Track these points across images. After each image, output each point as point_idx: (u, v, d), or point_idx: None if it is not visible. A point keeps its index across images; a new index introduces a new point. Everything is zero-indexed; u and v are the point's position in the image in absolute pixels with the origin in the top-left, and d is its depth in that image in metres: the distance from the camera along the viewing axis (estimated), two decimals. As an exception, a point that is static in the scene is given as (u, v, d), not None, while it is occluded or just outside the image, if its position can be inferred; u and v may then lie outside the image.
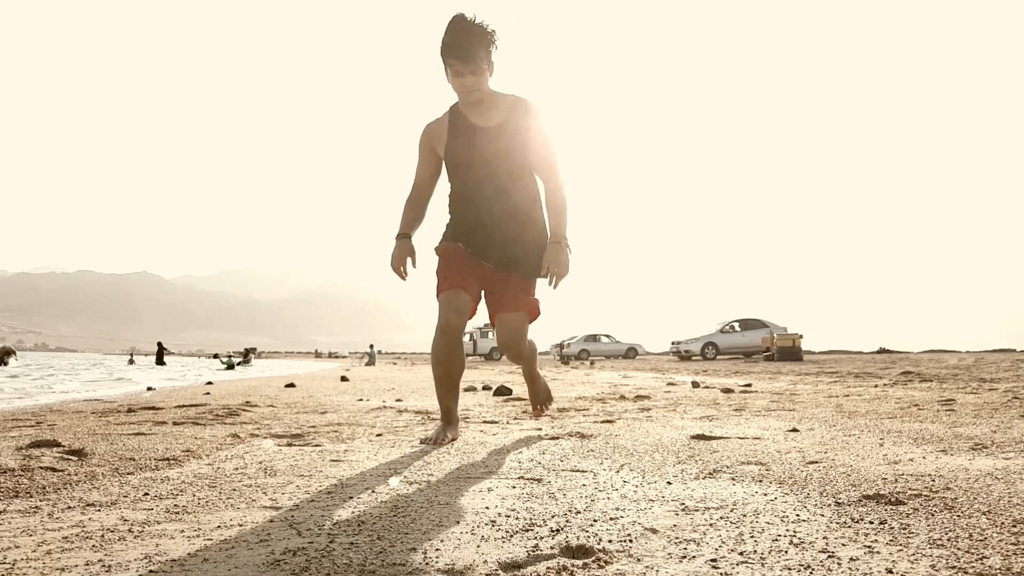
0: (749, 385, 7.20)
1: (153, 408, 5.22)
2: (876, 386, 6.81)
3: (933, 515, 1.56)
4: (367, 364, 33.55)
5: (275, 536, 1.46)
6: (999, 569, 1.17)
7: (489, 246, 3.09)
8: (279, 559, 1.30)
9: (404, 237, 3.09)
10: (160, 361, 32.47)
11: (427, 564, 1.25)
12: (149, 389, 10.23)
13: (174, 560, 1.31)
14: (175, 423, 3.98)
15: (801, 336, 23.22)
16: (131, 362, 33.10)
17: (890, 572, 1.17)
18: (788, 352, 21.79)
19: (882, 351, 31.37)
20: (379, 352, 55.16)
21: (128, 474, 2.33)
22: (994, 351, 33.21)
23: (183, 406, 5.41)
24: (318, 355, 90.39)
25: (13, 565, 1.30)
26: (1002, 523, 1.47)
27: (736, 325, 28.78)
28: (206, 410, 4.94)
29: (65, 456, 2.62)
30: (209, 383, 11.76)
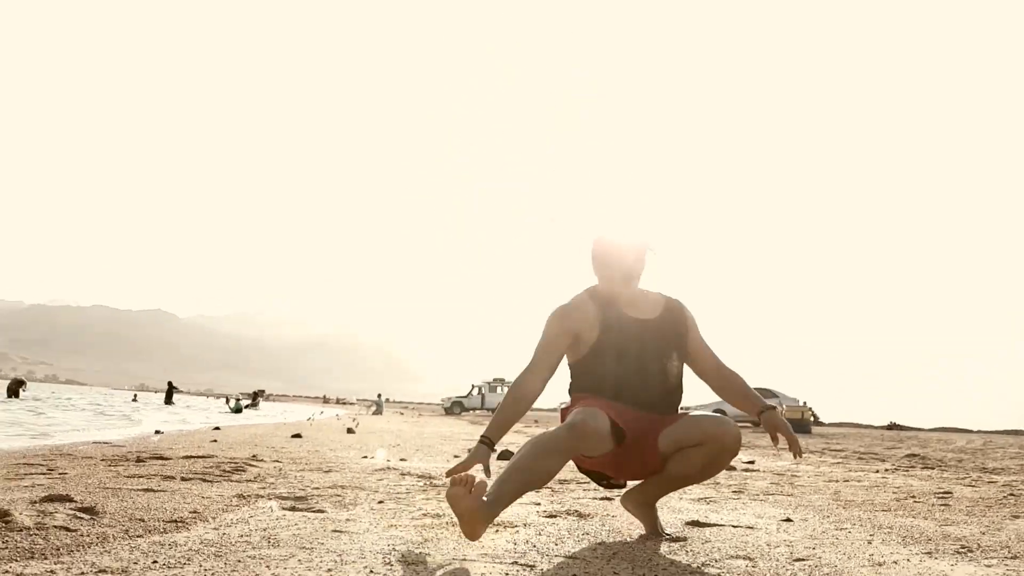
0: (752, 462, 7.21)
1: (162, 458, 5.32)
2: (878, 471, 6.80)
3: (901, 629, 1.63)
4: (374, 413, 33.50)
5: (277, 617, 1.56)
6: None
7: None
8: (280, 643, 1.39)
9: (488, 443, 2.66)
10: (169, 400, 32.60)
11: (417, 657, 1.35)
12: (157, 432, 10.33)
13: (183, 638, 1.41)
14: (183, 478, 4.07)
15: (810, 408, 23.07)
16: (135, 399, 33.20)
17: None
18: (797, 424, 21.62)
19: (892, 427, 31.00)
20: (386, 400, 55.05)
21: (138, 536, 2.43)
22: (1005, 432, 32.69)
23: (191, 456, 5.51)
24: (326, 401, 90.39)
25: (35, 635, 1.40)
26: (964, 642, 1.54)
27: (746, 394, 28.65)
28: (213, 463, 5.03)
29: (77, 514, 2.72)
30: (216, 428, 11.85)
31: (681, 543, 2.66)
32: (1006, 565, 2.41)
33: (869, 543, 2.75)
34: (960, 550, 2.65)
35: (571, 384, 2.89)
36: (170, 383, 34.65)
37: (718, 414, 2.79)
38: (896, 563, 2.38)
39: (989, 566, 2.38)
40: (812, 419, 32.07)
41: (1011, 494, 4.72)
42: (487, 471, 2.57)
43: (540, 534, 2.72)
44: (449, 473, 2.45)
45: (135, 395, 41.57)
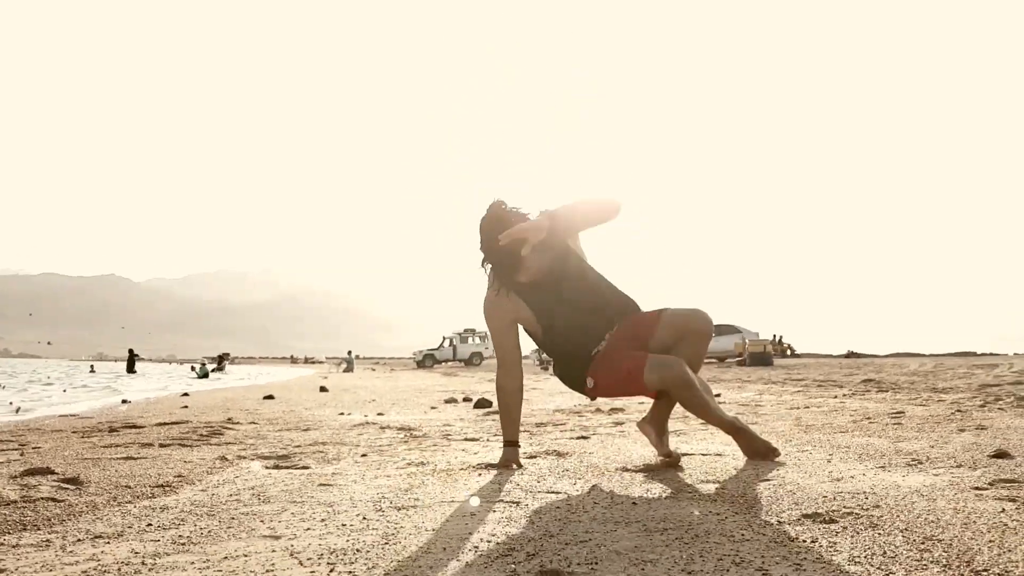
0: (718, 396, 7.47)
1: (135, 426, 5.32)
2: (836, 397, 7.12)
3: (859, 533, 1.78)
4: (345, 371, 33.49)
5: (279, 566, 1.64)
6: (902, 585, 1.39)
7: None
8: (286, 587, 1.47)
9: (513, 443, 3.09)
10: (131, 369, 32.13)
11: (418, 590, 1.44)
12: (124, 402, 10.25)
13: (192, 589, 1.48)
14: (161, 445, 4.10)
15: (788, 344, 23.82)
16: (92, 371, 32.64)
17: (811, 589, 1.38)
18: (759, 358, 22.28)
19: (850, 355, 32.13)
20: (357, 357, 54.94)
21: (127, 503, 2.48)
22: (955, 355, 34.13)
23: (164, 423, 5.52)
24: (294, 361, 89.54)
25: (47, 598, 1.46)
26: (913, 540, 1.69)
27: (710, 330, 29.36)
28: (189, 428, 5.06)
29: (62, 485, 2.75)
30: (185, 394, 11.79)
31: (655, 472, 2.81)
32: (951, 473, 2.60)
33: (828, 462, 2.93)
34: (911, 463, 2.85)
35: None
36: (131, 351, 34.10)
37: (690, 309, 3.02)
38: (853, 477, 2.55)
39: (936, 475, 2.57)
40: (789, 352, 32.89)
41: (958, 411, 5.00)
42: (519, 465, 3.02)
43: (522, 473, 2.84)
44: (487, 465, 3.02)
45: (92, 366, 40.84)
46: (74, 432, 5.03)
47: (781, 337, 34.33)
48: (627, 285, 3.16)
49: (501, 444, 3.14)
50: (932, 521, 1.87)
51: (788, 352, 33.17)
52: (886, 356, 33.85)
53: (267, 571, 1.60)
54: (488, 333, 3.26)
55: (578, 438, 4.01)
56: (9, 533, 2.07)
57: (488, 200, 2.97)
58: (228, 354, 43.57)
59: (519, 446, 3.13)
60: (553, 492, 2.44)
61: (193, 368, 30.59)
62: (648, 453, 3.30)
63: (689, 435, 4.02)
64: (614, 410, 5.80)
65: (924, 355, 33.73)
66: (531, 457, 3.29)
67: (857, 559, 1.57)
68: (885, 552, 1.61)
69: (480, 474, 2.87)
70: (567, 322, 2.99)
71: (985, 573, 1.45)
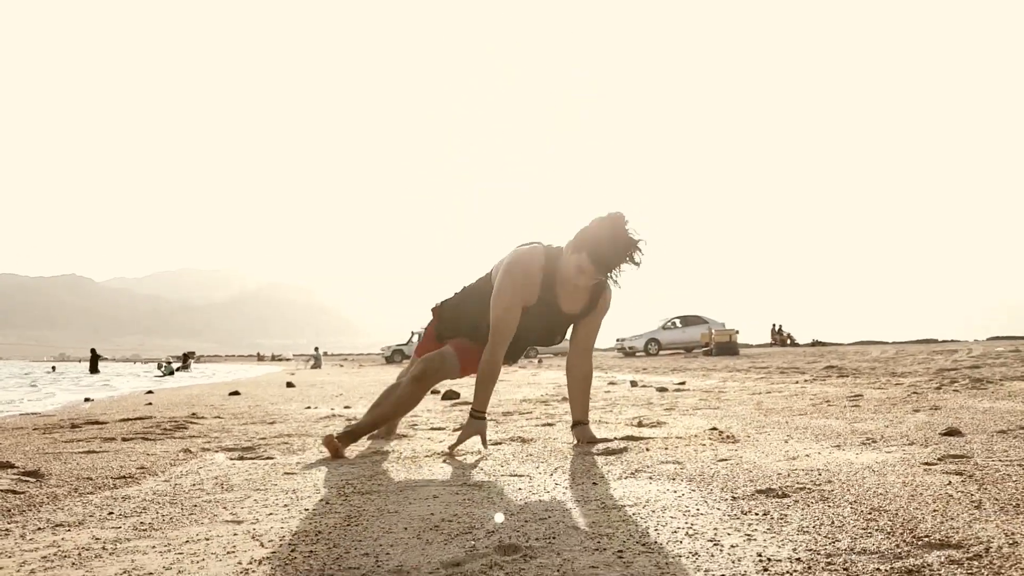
0: (684, 383, 7.58)
1: (97, 423, 5.24)
2: (797, 382, 7.26)
3: (809, 506, 1.84)
4: (313, 367, 33.21)
5: (240, 548, 1.65)
6: (845, 549, 1.45)
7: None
8: (247, 568, 1.48)
9: (479, 415, 3.09)
10: (94, 369, 31.51)
11: (379, 566, 1.46)
12: (87, 400, 10.06)
13: (151, 573, 1.49)
14: (124, 439, 4.05)
15: (737, 332, 24.06)
16: (53, 370, 31.95)
17: (759, 555, 1.43)
18: (725, 347, 22.56)
19: (815, 343, 32.64)
20: (325, 354, 54.51)
21: (89, 494, 2.46)
22: (917, 342, 34.87)
23: (128, 419, 5.44)
24: (261, 358, 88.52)
25: (4, 583, 1.46)
26: (861, 511, 1.76)
27: (677, 322, 29.61)
28: (152, 423, 5.00)
29: (22, 478, 2.72)
30: (150, 392, 11.61)
31: (616, 455, 2.86)
32: (903, 450, 2.69)
33: (786, 442, 3.01)
34: (865, 442, 2.94)
35: (443, 326, 3.33)
36: (93, 350, 33.42)
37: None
38: (808, 456, 2.63)
39: (889, 452, 2.65)
40: (789, 342, 32.78)
41: (914, 393, 5.15)
42: (484, 442, 3.06)
43: (486, 459, 2.87)
44: (451, 448, 3.00)
45: (53, 366, 39.96)
46: (35, 429, 4.94)
47: (781, 327, 34.13)
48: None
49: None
50: (880, 494, 1.94)
51: (788, 341, 32.86)
52: (850, 344, 34.47)
53: (228, 552, 1.61)
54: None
55: (543, 425, 4.05)
56: (-33, 525, 2.05)
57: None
58: (193, 352, 42.95)
59: (487, 421, 3.15)
60: (516, 475, 2.48)
61: (160, 367, 30.12)
62: (610, 437, 3.35)
63: (652, 419, 4.08)
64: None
65: (887, 343, 34.41)
66: (496, 444, 3.32)
67: (806, 529, 1.62)
68: (833, 522, 1.67)
69: (445, 460, 2.89)
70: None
71: (927, 538, 1.52)
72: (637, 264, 2.82)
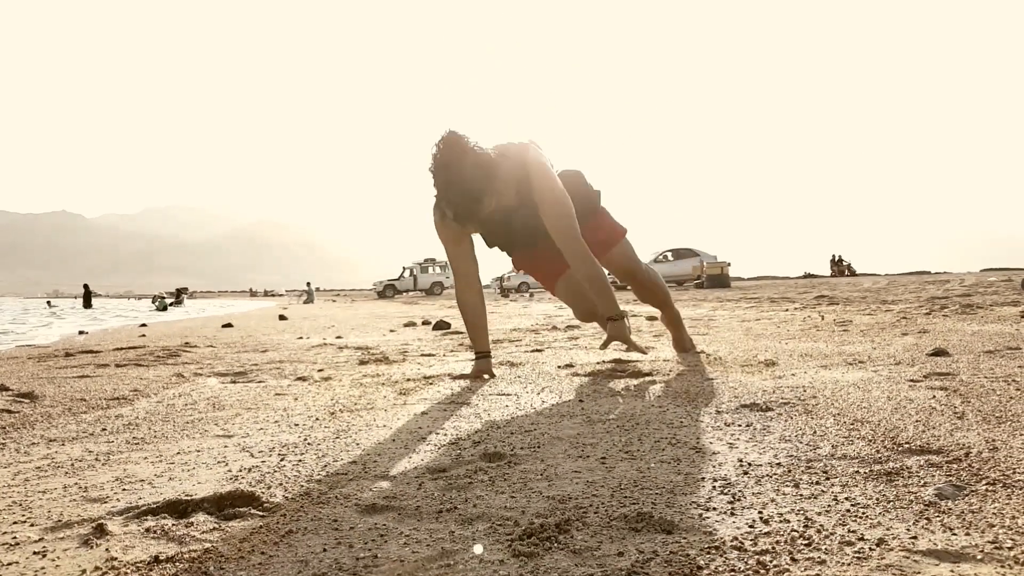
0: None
1: (91, 352, 5.27)
2: (787, 310, 7.32)
3: (792, 418, 1.87)
4: (305, 302, 33.29)
5: (231, 458, 1.67)
6: (825, 455, 1.48)
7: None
8: (236, 475, 1.51)
9: (484, 355, 3.06)
10: (88, 304, 31.56)
11: (366, 472, 1.49)
12: (81, 333, 10.10)
13: (143, 480, 1.51)
14: (117, 365, 4.08)
15: (729, 264, 24.12)
16: (49, 305, 31.99)
17: (740, 461, 1.46)
18: (716, 279, 22.67)
19: (807, 276, 32.76)
20: (317, 289, 54.53)
21: (82, 413, 2.48)
22: (910, 273, 35.02)
23: (121, 348, 5.47)
24: (253, 294, 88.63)
25: (-3, 491, 1.47)
26: (843, 422, 1.79)
27: (669, 254, 29.61)
28: (146, 352, 5.03)
29: (16, 399, 2.74)
30: (143, 325, 11.65)
31: (604, 375, 2.89)
32: (889, 369, 2.72)
33: (773, 364, 3.04)
34: (852, 362, 2.97)
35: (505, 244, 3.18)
36: (86, 286, 33.43)
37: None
38: (794, 375, 2.66)
39: (875, 371, 2.69)
40: (848, 272, 31.84)
41: (904, 318, 5.20)
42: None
43: (475, 381, 2.90)
44: (602, 347, 3.02)
45: (48, 301, 39.98)
46: (30, 358, 4.96)
47: (841, 257, 33.08)
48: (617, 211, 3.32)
49: (456, 359, 3.18)
50: (864, 407, 1.97)
51: (847, 271, 31.70)
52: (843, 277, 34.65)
53: (218, 462, 1.63)
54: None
55: (533, 351, 4.09)
56: (-39, 442, 2.07)
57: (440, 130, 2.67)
58: (186, 288, 42.98)
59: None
60: (504, 395, 2.50)
61: (154, 301, 30.15)
62: (595, 360, 3.38)
63: (641, 342, 4.11)
64: (570, 327, 5.90)
65: (880, 275, 34.52)
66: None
67: (788, 438, 1.65)
68: (815, 432, 1.70)
69: (432, 382, 2.92)
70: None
71: (907, 445, 1.54)
72: (449, 205, 2.69)
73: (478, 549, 1.04)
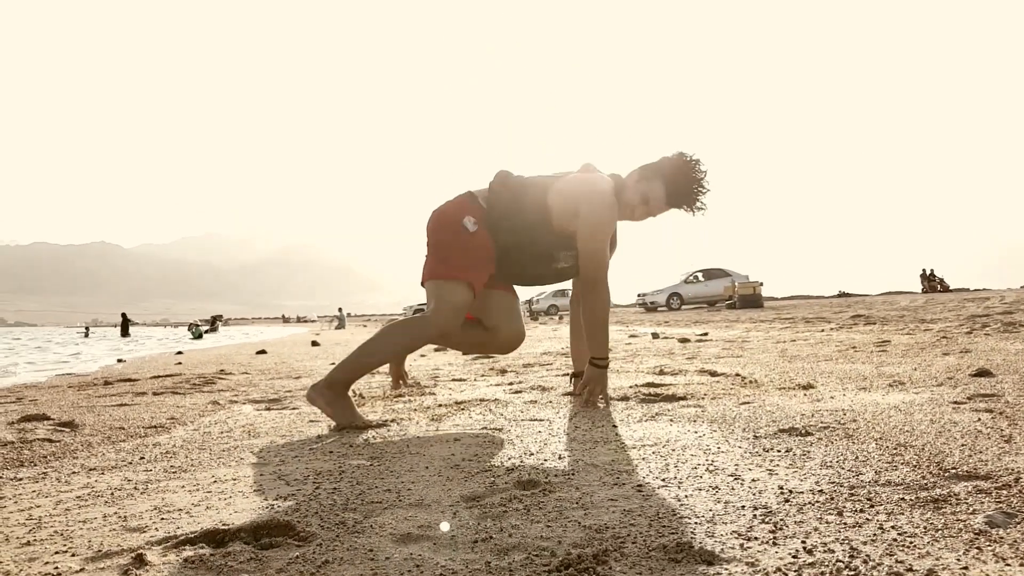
0: (706, 334, 7.53)
1: (130, 380, 5.36)
2: (823, 331, 7.19)
3: (832, 443, 1.83)
4: (337, 328, 33.60)
5: (267, 487, 1.68)
6: (869, 481, 1.44)
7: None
8: (272, 503, 1.51)
9: (606, 366, 2.80)
10: (125, 332, 32.21)
11: (400, 500, 1.48)
12: (120, 361, 10.29)
13: (180, 509, 1.52)
14: (155, 393, 4.15)
15: (761, 284, 23.81)
16: (86, 335, 32.67)
17: (781, 488, 1.42)
18: (749, 299, 22.39)
19: (841, 295, 32.23)
20: (348, 315, 55.00)
21: (120, 441, 2.52)
22: (949, 291, 34.21)
23: (159, 376, 5.56)
24: (286, 320, 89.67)
25: (39, 520, 1.50)
26: (886, 446, 1.74)
27: (700, 275, 29.34)
28: (182, 379, 5.10)
29: (57, 428, 2.79)
30: (179, 353, 11.84)
31: (637, 400, 2.86)
32: (931, 391, 2.65)
33: (811, 387, 2.98)
34: (893, 384, 2.90)
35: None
36: (124, 314, 34.17)
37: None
38: (832, 398, 2.61)
39: (917, 393, 2.62)
40: (940, 287, 30.72)
41: (944, 337, 5.08)
42: (606, 396, 2.82)
43: (507, 405, 2.89)
44: (573, 396, 2.92)
45: (87, 329, 40.85)
46: (70, 387, 5.07)
47: (932, 271, 31.93)
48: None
49: (487, 384, 3.17)
50: (907, 431, 1.92)
51: (940, 287, 30.58)
52: (878, 295, 34.01)
53: (255, 491, 1.64)
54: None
55: (564, 375, 4.06)
56: (7, 469, 2.11)
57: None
58: (221, 315, 43.70)
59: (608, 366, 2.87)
60: (536, 420, 2.49)
61: (190, 328, 30.67)
62: (631, 384, 3.35)
63: (674, 367, 4.07)
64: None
65: (916, 293, 33.82)
66: (516, 392, 3.33)
67: (829, 463, 1.61)
68: (857, 457, 1.66)
69: (464, 408, 2.91)
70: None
71: (953, 470, 1.50)
72: (702, 208, 2.65)
73: (515, 580, 1.03)
